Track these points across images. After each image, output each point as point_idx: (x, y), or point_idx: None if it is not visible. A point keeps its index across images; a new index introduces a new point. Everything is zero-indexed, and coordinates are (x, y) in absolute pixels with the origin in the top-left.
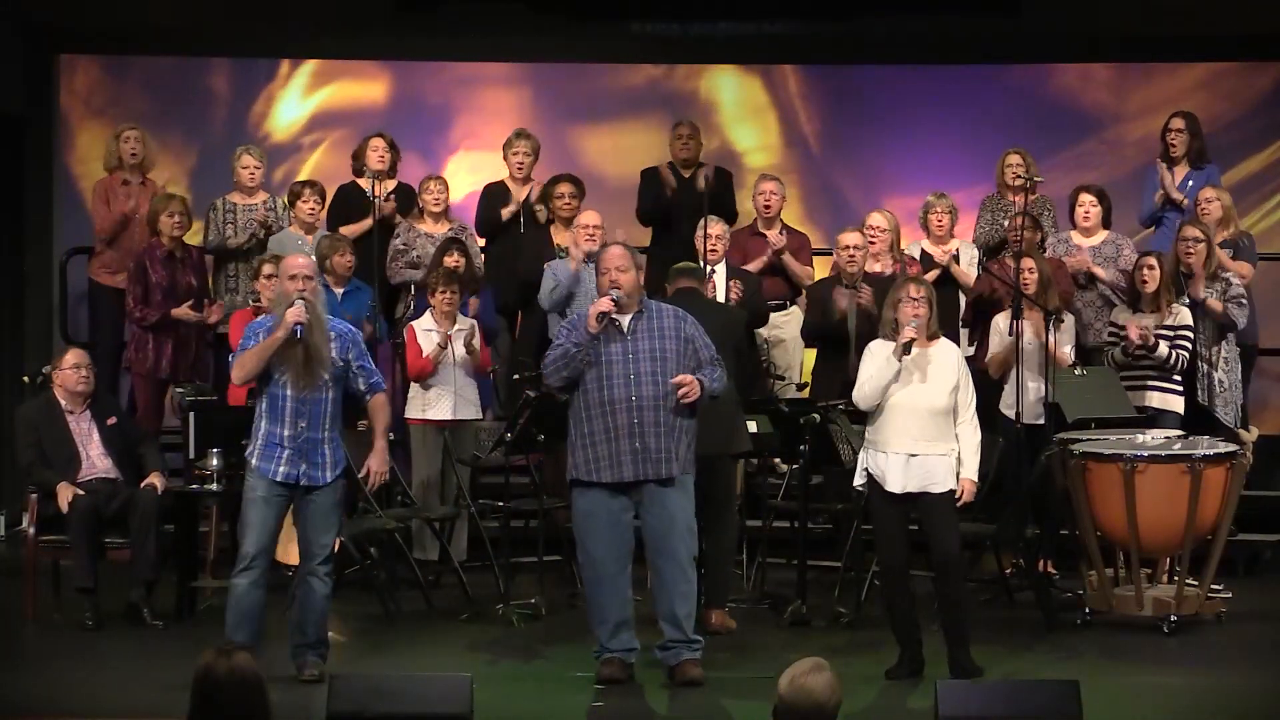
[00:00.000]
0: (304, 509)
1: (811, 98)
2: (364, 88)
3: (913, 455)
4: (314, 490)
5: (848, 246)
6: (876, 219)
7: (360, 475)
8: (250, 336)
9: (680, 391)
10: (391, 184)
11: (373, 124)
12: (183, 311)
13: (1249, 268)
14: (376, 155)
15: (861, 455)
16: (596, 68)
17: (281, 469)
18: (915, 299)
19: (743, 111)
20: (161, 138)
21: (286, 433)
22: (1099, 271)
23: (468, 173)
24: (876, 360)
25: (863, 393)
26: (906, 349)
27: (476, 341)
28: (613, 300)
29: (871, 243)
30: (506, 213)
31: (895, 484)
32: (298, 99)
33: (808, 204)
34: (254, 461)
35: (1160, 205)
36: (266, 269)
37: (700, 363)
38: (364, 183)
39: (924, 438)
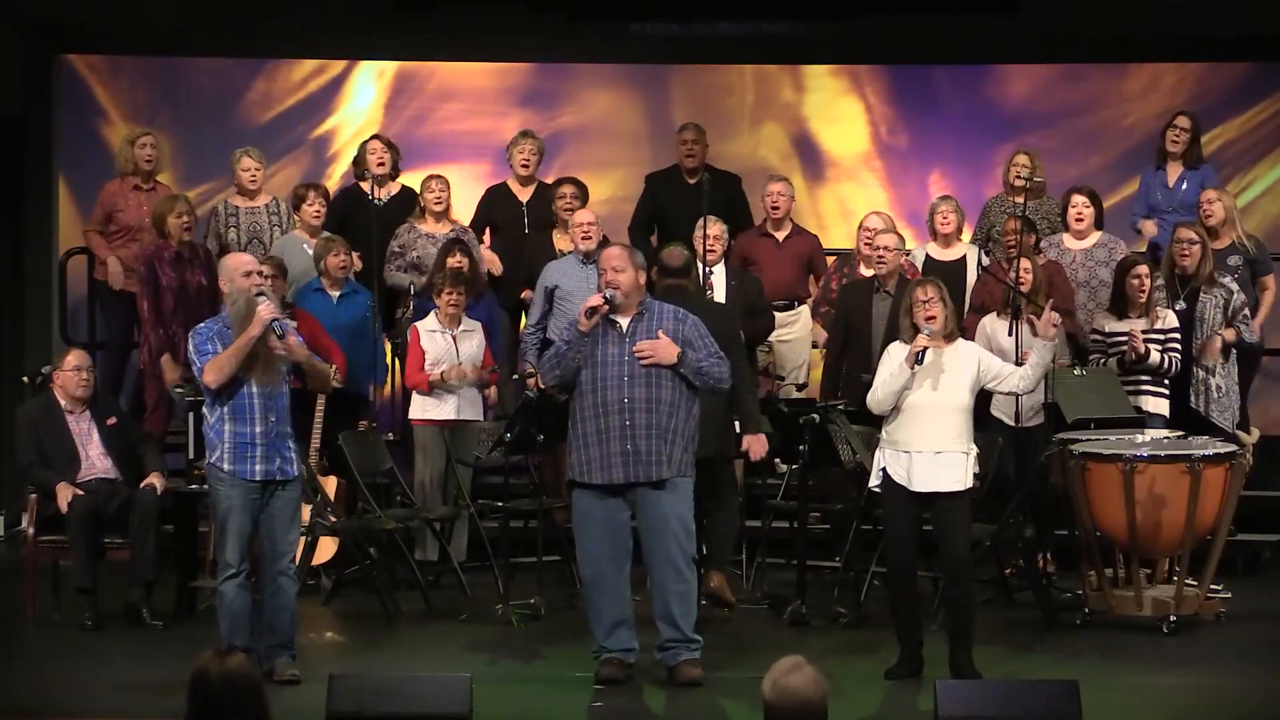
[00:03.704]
0: (272, 506)
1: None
2: (365, 87)
3: (937, 453)
4: (285, 485)
5: (881, 248)
6: (874, 221)
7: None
8: (206, 341)
9: (638, 348)
10: (396, 186)
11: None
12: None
13: (1271, 282)
14: (375, 158)
15: (878, 455)
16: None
17: (258, 467)
18: (926, 301)
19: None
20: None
21: (258, 429)
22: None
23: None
24: (891, 365)
25: (875, 398)
26: (919, 358)
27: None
28: (605, 299)
29: (867, 244)
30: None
31: (921, 483)
32: (305, 98)
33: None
34: (226, 466)
35: (1149, 210)
36: (265, 270)
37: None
38: (367, 186)
39: (947, 436)
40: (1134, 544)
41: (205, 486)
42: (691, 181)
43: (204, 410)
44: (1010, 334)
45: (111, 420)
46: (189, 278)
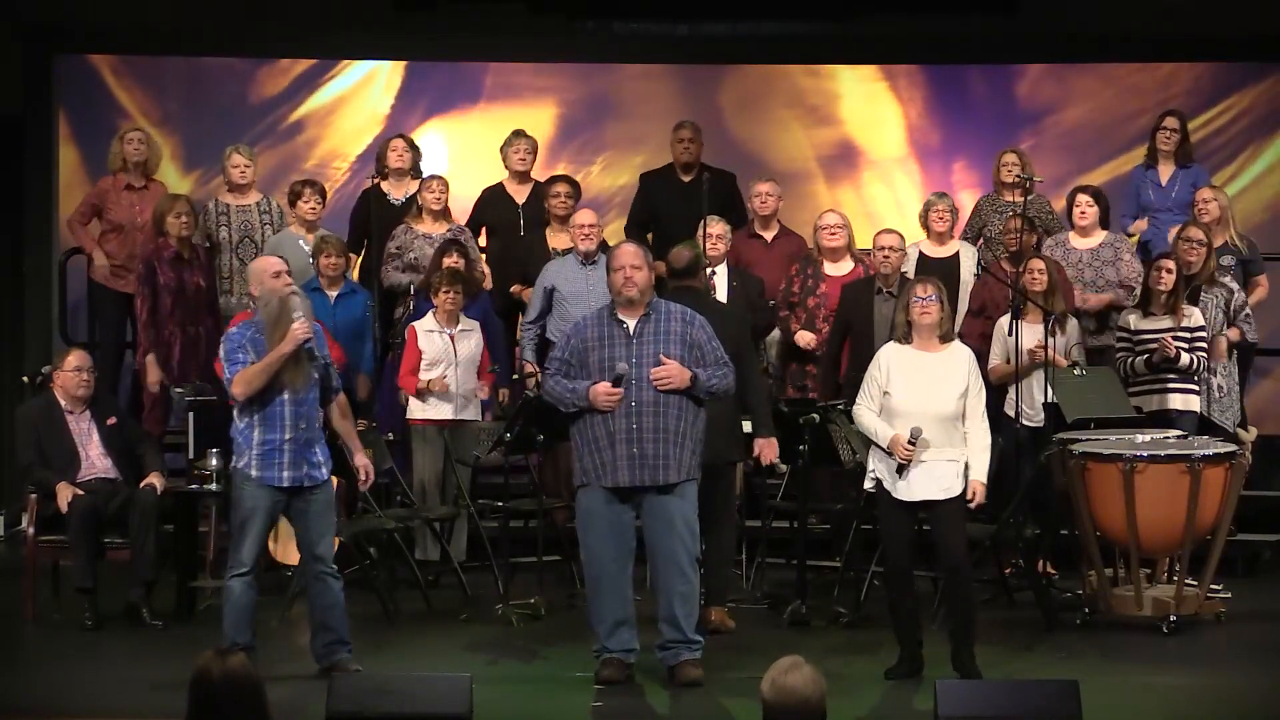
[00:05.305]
0: (305, 508)
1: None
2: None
3: (923, 462)
4: (315, 489)
5: (884, 248)
6: (831, 219)
7: (359, 479)
8: (237, 349)
9: (654, 375)
10: (415, 184)
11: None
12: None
13: (1265, 280)
14: (396, 155)
15: (870, 456)
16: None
17: (286, 474)
18: (924, 299)
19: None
20: (160, 138)
21: (287, 436)
22: (1094, 301)
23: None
24: (880, 377)
25: (860, 425)
26: (900, 470)
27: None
28: (619, 377)
29: (833, 238)
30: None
31: (905, 492)
32: (302, 98)
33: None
34: (254, 472)
35: (1139, 209)
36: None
37: (704, 367)
38: (386, 185)
39: (934, 444)
40: (1134, 544)
41: (204, 486)
42: (686, 179)
43: (233, 414)
44: (1010, 334)
45: (111, 420)
46: (187, 279)
